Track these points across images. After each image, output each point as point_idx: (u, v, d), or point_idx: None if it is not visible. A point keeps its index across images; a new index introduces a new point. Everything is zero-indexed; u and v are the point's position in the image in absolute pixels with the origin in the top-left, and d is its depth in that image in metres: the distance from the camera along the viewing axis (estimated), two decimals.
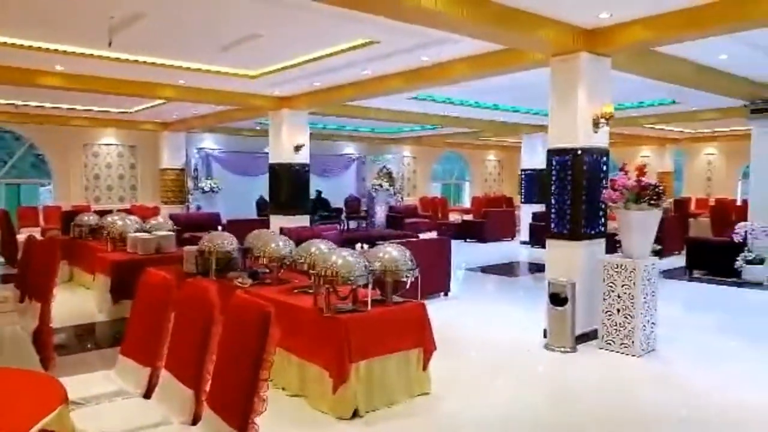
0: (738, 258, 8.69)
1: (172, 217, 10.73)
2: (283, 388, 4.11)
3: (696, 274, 9.44)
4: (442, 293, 7.77)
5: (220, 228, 9.75)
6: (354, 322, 3.67)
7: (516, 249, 13.36)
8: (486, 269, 10.52)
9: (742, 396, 4.32)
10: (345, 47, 6.30)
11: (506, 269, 10.62)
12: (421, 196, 18.85)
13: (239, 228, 7.93)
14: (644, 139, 17.45)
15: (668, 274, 9.61)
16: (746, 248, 8.68)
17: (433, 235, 11.35)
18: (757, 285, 8.55)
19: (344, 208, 15.51)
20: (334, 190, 16.21)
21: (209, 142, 15.27)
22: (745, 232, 8.64)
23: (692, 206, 16.54)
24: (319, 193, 14.71)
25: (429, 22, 4.59)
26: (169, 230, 7.81)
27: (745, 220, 9.12)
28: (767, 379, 4.73)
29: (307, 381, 3.91)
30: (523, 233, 14.14)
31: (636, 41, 5.18)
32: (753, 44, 6.04)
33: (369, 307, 3.83)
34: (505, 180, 21.77)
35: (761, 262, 8.59)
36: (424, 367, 4.08)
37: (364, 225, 15.00)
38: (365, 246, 5.98)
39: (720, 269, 9.07)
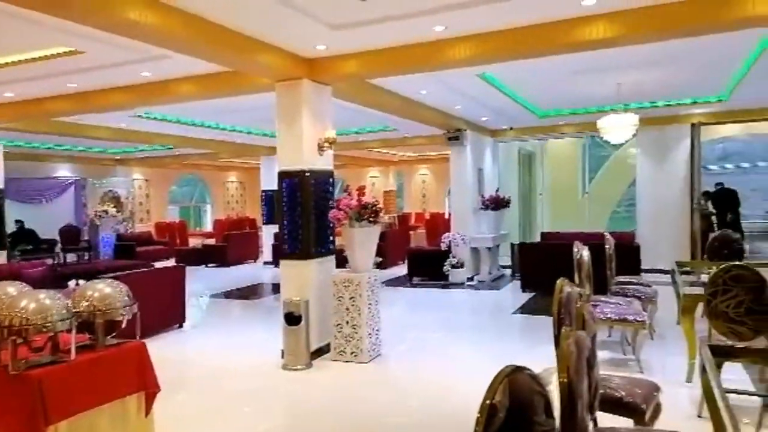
0: (445, 263, 10.19)
1: None
2: None
3: (415, 280, 10.73)
4: (177, 325, 7.24)
5: None
6: (51, 376, 3.10)
7: (259, 271, 13.32)
8: (229, 294, 10.22)
9: (452, 387, 5.00)
10: (41, 54, 5.43)
11: (250, 292, 10.47)
12: (156, 222, 17.43)
13: None
14: (371, 161, 19.31)
15: (394, 282, 10.73)
16: (451, 254, 10.23)
17: (171, 262, 10.52)
18: (460, 285, 10.14)
19: (59, 240, 13.34)
20: (46, 218, 13.83)
21: None
22: (449, 240, 10.19)
23: (413, 220, 18.86)
24: (20, 223, 12.36)
25: (139, 36, 4.24)
26: None
27: (450, 230, 10.76)
28: (473, 369, 5.55)
29: None
30: (266, 254, 14.21)
31: (351, 73, 5.66)
32: (444, 83, 7.18)
33: (73, 356, 3.29)
34: (248, 201, 21.63)
35: (462, 265, 10.23)
36: (147, 413, 3.69)
37: (86, 257, 13.15)
38: (81, 281, 5.22)
39: (434, 274, 10.49)
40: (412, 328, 7.12)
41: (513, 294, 9.37)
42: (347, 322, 5.60)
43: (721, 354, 3.09)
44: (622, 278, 6.97)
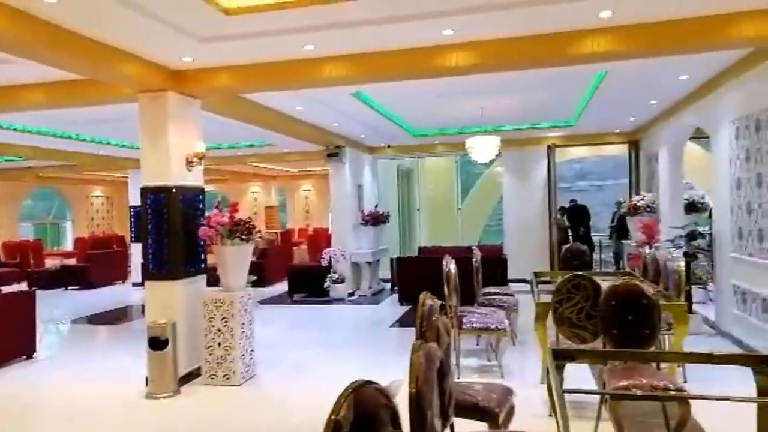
0: (326, 279, 10.20)
1: None
2: None
3: (297, 297, 10.61)
4: (25, 356, 6.51)
5: None
6: None
7: (128, 292, 12.39)
8: (93, 319, 9.41)
9: (327, 404, 4.98)
10: None
11: (116, 316, 9.71)
12: (4, 241, 15.57)
13: None
14: (253, 176, 18.88)
15: (275, 300, 10.54)
16: (331, 270, 10.27)
17: (22, 286, 9.53)
18: (341, 300, 10.20)
19: None
20: None
21: None
22: (330, 256, 10.23)
23: (296, 236, 18.67)
24: None
25: None
26: None
27: (331, 246, 10.81)
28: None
29: None
30: (136, 275, 13.26)
31: (220, 87, 5.51)
32: (319, 101, 7.25)
33: None
34: (116, 218, 20.08)
35: (342, 281, 10.31)
36: None
37: None
38: None
39: (315, 290, 10.45)
40: (291, 346, 7.02)
41: (392, 307, 9.60)
42: (219, 344, 5.39)
43: (563, 357, 3.40)
44: (488, 289, 7.42)
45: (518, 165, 11.68)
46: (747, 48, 5.16)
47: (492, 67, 4.92)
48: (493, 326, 5.50)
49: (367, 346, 7.12)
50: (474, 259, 6.91)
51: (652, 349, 4.19)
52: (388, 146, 11.86)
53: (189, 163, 5.60)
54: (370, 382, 1.80)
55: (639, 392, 3.43)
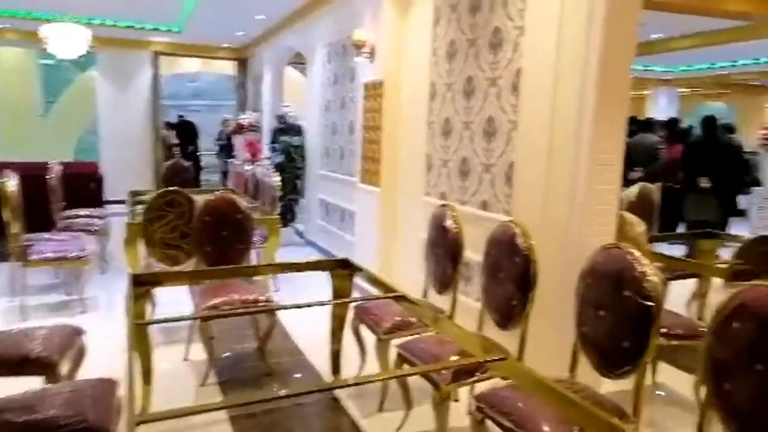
0: None
1: None
2: None
3: None
4: None
5: None
6: None
7: None
8: None
9: None
10: None
11: None
12: None
13: None
14: None
15: None
16: None
17: None
18: None
19: None
20: None
21: None
22: None
23: None
24: None
25: None
26: None
27: None
28: None
29: None
30: None
31: None
32: None
33: None
34: None
35: None
36: None
37: None
38: None
39: None
40: None
41: None
42: None
43: (146, 283, 2.96)
44: (74, 212, 6.28)
45: (118, 70, 10.19)
46: None
47: None
48: (72, 254, 4.61)
49: None
50: (50, 176, 5.65)
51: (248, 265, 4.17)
52: None
53: None
54: None
55: (227, 309, 3.30)
